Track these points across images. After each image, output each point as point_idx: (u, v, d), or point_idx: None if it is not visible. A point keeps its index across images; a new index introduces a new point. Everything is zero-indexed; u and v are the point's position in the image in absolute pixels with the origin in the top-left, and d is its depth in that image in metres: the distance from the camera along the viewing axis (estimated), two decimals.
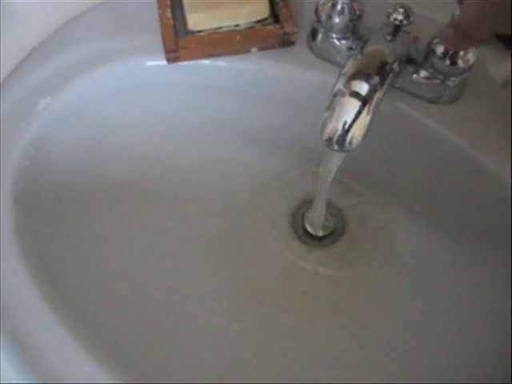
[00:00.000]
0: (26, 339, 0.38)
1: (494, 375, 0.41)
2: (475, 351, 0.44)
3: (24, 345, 0.38)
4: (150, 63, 0.47)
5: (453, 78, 0.42)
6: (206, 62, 0.46)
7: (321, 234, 0.50)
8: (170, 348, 0.44)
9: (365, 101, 0.37)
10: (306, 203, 0.51)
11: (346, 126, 0.37)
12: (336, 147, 0.37)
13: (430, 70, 0.42)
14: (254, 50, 0.46)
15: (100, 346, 0.39)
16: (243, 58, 0.46)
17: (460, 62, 0.41)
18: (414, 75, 0.43)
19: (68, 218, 0.46)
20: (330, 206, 0.51)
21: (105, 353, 0.38)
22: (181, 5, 0.46)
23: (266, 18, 0.46)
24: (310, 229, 0.50)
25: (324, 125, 0.37)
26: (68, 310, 0.40)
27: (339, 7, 0.42)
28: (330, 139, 0.37)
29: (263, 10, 0.45)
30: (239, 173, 0.51)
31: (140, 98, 0.48)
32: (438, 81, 0.43)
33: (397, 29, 0.40)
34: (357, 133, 0.37)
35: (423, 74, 0.43)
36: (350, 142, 0.37)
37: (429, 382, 0.43)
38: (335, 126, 0.37)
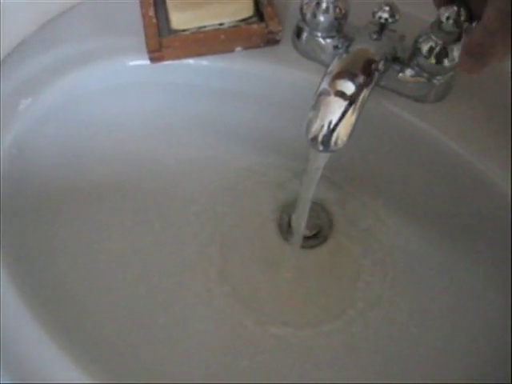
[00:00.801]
0: (8, 346, 0.37)
1: (493, 375, 0.41)
2: (472, 351, 0.43)
3: (6, 353, 0.37)
4: (133, 63, 0.46)
5: (439, 77, 0.42)
6: (190, 61, 0.46)
7: (308, 233, 0.49)
8: (159, 350, 0.43)
9: (350, 100, 0.37)
10: (292, 202, 0.50)
11: (332, 126, 0.36)
12: (321, 147, 0.37)
13: (416, 69, 0.42)
14: (238, 49, 0.45)
15: (86, 350, 0.38)
16: (227, 57, 0.45)
17: (446, 61, 0.41)
18: (400, 74, 0.43)
19: (52, 219, 0.45)
20: (316, 205, 0.50)
21: (90, 357, 0.38)
22: (164, 4, 0.45)
23: (250, 17, 0.45)
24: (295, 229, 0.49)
25: (309, 124, 0.37)
26: (51, 313, 0.39)
27: (324, 5, 0.41)
28: (315, 139, 0.36)
29: (247, 9, 0.45)
30: (224, 172, 0.51)
31: (124, 98, 0.48)
32: (423, 79, 0.42)
33: (382, 27, 0.40)
34: (342, 133, 0.37)
35: (409, 72, 0.43)
36: (336, 142, 0.36)
37: (424, 382, 0.42)
38: (320, 125, 0.36)
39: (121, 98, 0.48)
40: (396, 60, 0.42)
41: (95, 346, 0.40)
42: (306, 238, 0.49)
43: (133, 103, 0.48)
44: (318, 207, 0.51)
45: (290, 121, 0.47)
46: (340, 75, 0.38)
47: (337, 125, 0.36)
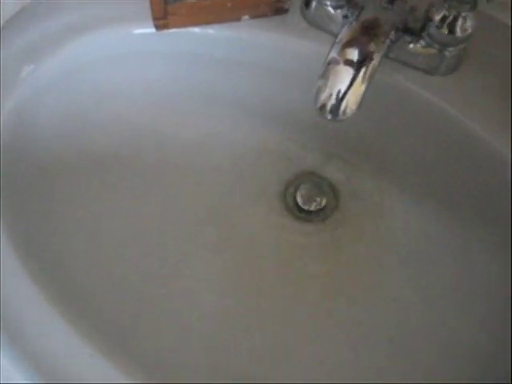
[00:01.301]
0: (13, 322, 0.36)
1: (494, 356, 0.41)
2: (474, 325, 0.43)
3: (12, 329, 0.36)
4: (137, 31, 0.45)
5: (450, 48, 0.41)
6: (196, 29, 0.45)
7: (313, 208, 0.48)
8: (160, 323, 0.42)
9: (360, 69, 0.36)
10: (298, 177, 0.50)
11: (340, 95, 0.36)
12: (329, 116, 0.36)
13: (428, 40, 0.41)
14: (245, 17, 0.44)
15: (89, 323, 0.37)
16: (234, 25, 0.45)
17: (458, 31, 0.40)
18: (411, 45, 0.42)
19: (53, 188, 0.44)
20: (322, 179, 0.50)
21: (92, 330, 0.37)
22: None
23: None
24: (301, 203, 0.49)
25: (317, 93, 0.36)
26: (55, 286, 0.38)
27: None
28: (323, 108, 0.36)
29: None
30: (229, 144, 0.50)
31: (127, 67, 0.47)
32: (435, 51, 0.41)
33: None
34: (351, 101, 0.36)
35: (420, 43, 0.42)
36: (344, 111, 0.36)
37: (424, 358, 0.42)
38: (329, 94, 0.36)
39: (124, 66, 0.47)
40: (407, 31, 0.41)
41: (95, 312, 0.39)
42: (311, 212, 0.49)
43: (136, 72, 0.48)
44: (323, 182, 0.50)
45: (297, 92, 0.47)
46: (350, 44, 0.37)
47: (346, 93, 0.36)
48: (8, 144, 0.41)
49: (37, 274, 0.38)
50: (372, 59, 0.37)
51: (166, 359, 0.40)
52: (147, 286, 0.44)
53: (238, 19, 0.44)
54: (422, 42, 0.42)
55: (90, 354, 0.35)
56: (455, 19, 0.39)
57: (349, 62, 0.36)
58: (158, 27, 0.44)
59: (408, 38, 0.42)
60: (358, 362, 0.43)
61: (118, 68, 0.47)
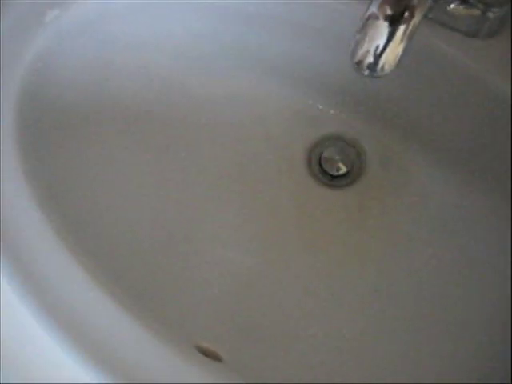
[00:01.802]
0: (28, 263, 0.35)
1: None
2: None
3: (26, 269, 0.35)
4: None
5: (494, 9, 0.39)
6: None
7: (339, 172, 0.47)
8: (178, 279, 0.42)
9: (399, 25, 0.34)
10: (325, 141, 0.48)
11: (379, 51, 0.34)
12: (367, 72, 0.34)
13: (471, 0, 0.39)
14: None
15: (105, 274, 0.36)
16: None
17: None
18: (452, 5, 0.40)
19: (75, 138, 0.43)
20: (348, 143, 0.48)
21: (110, 280, 0.36)
22: None
23: None
24: (327, 168, 0.47)
25: (355, 48, 0.34)
26: (72, 235, 0.37)
27: None
28: (360, 63, 0.34)
29: None
30: (254, 104, 0.49)
31: (153, 17, 0.45)
32: (477, 12, 0.40)
33: None
34: (389, 58, 0.34)
35: (462, 3, 0.40)
36: (382, 68, 0.34)
37: (440, 323, 0.41)
38: (367, 49, 0.34)
39: (150, 16, 0.45)
40: None
41: (115, 267, 0.39)
42: (335, 177, 0.47)
43: (162, 23, 0.46)
44: (349, 146, 0.48)
45: (329, 52, 0.45)
46: None
47: (384, 50, 0.34)
48: (31, 90, 0.40)
49: (58, 224, 0.37)
50: (413, 16, 0.35)
51: (186, 316, 0.39)
52: (167, 243, 0.43)
53: None
54: (464, 2, 0.40)
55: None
56: None
57: (388, 18, 0.34)
58: None
59: None
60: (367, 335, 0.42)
61: (144, 17, 0.45)
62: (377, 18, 0.35)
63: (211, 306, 0.41)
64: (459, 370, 0.40)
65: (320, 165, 0.48)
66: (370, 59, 0.34)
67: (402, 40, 0.35)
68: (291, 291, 0.43)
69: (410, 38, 0.35)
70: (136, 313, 0.34)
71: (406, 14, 0.35)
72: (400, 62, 0.35)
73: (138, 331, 0.33)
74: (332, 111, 0.49)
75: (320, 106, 0.49)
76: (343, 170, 0.48)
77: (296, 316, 0.42)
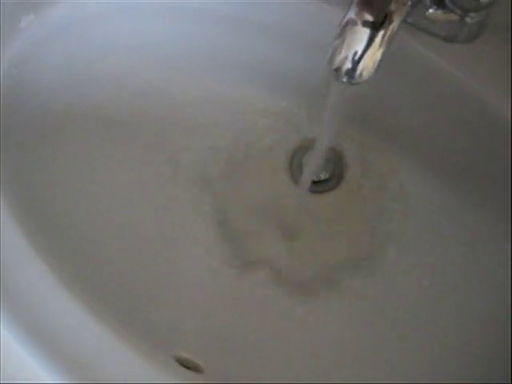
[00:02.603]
0: (5, 277, 0.35)
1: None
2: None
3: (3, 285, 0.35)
4: None
5: (472, 14, 0.39)
6: None
7: (320, 178, 0.47)
8: (157, 290, 0.41)
9: (378, 31, 0.34)
10: (305, 145, 0.48)
11: (357, 57, 0.34)
12: (345, 78, 0.34)
13: (449, 5, 0.39)
14: None
15: (82, 286, 0.36)
16: None
17: None
18: (431, 10, 0.40)
19: (53, 145, 0.43)
20: (330, 149, 0.48)
21: (87, 292, 0.36)
22: None
23: None
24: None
25: (333, 54, 0.34)
26: (47, 245, 0.37)
27: None
28: (338, 69, 0.34)
29: None
30: (234, 108, 0.48)
31: (132, 21, 0.45)
32: (456, 17, 0.40)
33: None
34: (368, 65, 0.34)
35: (440, 8, 0.40)
36: (361, 74, 0.34)
37: (440, 324, 0.41)
38: (345, 56, 0.34)
39: (128, 20, 0.45)
40: None
41: (91, 276, 0.38)
42: (317, 182, 0.47)
43: (141, 27, 0.45)
44: (330, 151, 0.48)
45: (306, 56, 0.45)
46: (369, 4, 0.35)
47: (362, 56, 0.34)
48: (7, 97, 0.40)
49: (33, 233, 0.36)
50: (391, 21, 0.35)
51: (165, 327, 0.39)
52: (145, 254, 0.43)
53: None
54: (443, 7, 0.40)
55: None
56: None
57: (367, 23, 0.34)
58: None
59: (428, 2, 0.40)
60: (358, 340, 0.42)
61: (122, 22, 0.45)
62: (355, 23, 0.35)
63: (191, 317, 0.41)
64: (459, 370, 0.40)
65: (301, 169, 0.47)
66: (348, 65, 0.34)
67: (380, 46, 0.34)
68: (273, 300, 0.43)
69: (388, 44, 0.35)
70: (114, 324, 0.34)
71: (385, 19, 0.34)
72: (379, 68, 0.35)
73: (117, 343, 0.33)
74: (310, 115, 0.48)
75: (300, 111, 0.49)
76: (324, 175, 0.47)
77: (278, 326, 0.42)
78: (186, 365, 0.35)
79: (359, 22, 0.34)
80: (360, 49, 0.34)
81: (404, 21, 0.38)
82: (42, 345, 0.33)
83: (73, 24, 0.43)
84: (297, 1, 0.43)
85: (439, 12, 0.40)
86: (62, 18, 0.42)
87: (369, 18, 0.34)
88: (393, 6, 0.35)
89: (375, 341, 0.42)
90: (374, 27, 0.34)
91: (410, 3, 0.36)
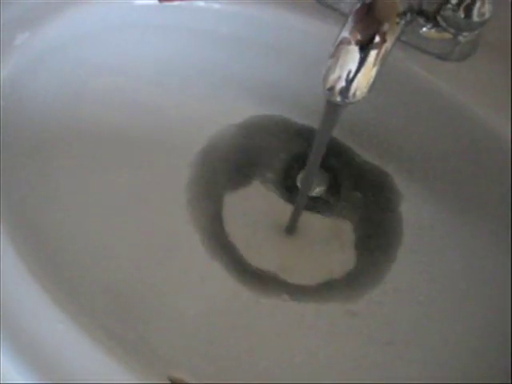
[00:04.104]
0: None
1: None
2: (474, 324, 0.42)
3: None
4: (139, 2, 0.43)
5: (465, 33, 0.39)
6: (201, 3, 0.43)
7: (314, 194, 0.47)
8: (150, 309, 0.41)
9: (371, 50, 0.34)
10: (300, 162, 0.48)
11: (351, 76, 0.34)
12: (339, 98, 0.34)
13: (442, 24, 0.39)
14: None
15: (74, 304, 0.36)
16: (240, 1, 0.43)
17: (475, 16, 0.38)
18: (424, 28, 0.40)
19: (46, 163, 0.43)
20: (324, 167, 0.48)
21: (79, 311, 0.35)
22: None
23: None
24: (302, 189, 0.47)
25: (326, 74, 0.34)
26: (40, 261, 0.37)
27: None
28: (332, 89, 0.34)
29: None
30: (228, 125, 0.48)
31: (127, 40, 0.45)
32: (449, 36, 0.40)
33: None
34: (362, 84, 0.34)
35: (434, 27, 0.40)
36: (354, 94, 0.34)
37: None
38: (338, 75, 0.34)
39: (124, 39, 0.45)
40: (421, 13, 0.40)
41: (85, 294, 0.38)
42: (311, 198, 0.47)
43: (136, 46, 0.46)
44: (324, 169, 0.48)
45: (304, 74, 0.45)
46: (362, 23, 0.35)
47: (356, 75, 0.34)
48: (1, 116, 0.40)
49: (22, 247, 0.36)
50: (385, 40, 0.35)
51: (158, 347, 0.38)
52: (138, 271, 0.43)
53: None
54: (436, 26, 0.40)
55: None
56: (473, 2, 0.37)
57: (360, 43, 0.35)
58: None
59: (421, 21, 0.40)
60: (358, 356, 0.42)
61: (118, 41, 0.45)
62: (349, 42, 0.35)
63: (184, 336, 0.40)
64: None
65: (294, 187, 0.47)
66: (342, 85, 0.34)
67: (374, 65, 0.34)
68: (267, 319, 0.42)
69: (382, 63, 0.35)
70: (107, 343, 0.33)
71: (378, 38, 0.35)
72: (372, 87, 0.35)
73: (110, 361, 0.33)
74: (308, 132, 0.49)
75: (294, 129, 0.49)
76: (319, 190, 0.47)
77: (272, 345, 0.41)
78: None
79: (353, 42, 0.35)
80: (353, 68, 0.34)
81: (398, 39, 0.39)
82: (33, 363, 0.32)
83: (67, 42, 0.43)
84: (292, 20, 0.43)
85: (433, 31, 0.40)
86: (56, 36, 0.42)
87: (362, 37, 0.35)
88: (386, 26, 0.35)
89: (375, 357, 0.42)
90: (368, 46, 0.34)
91: (403, 22, 0.36)
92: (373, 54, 0.34)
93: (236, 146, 0.48)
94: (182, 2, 0.43)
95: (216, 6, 0.43)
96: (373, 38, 0.34)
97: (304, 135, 0.49)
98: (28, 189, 0.41)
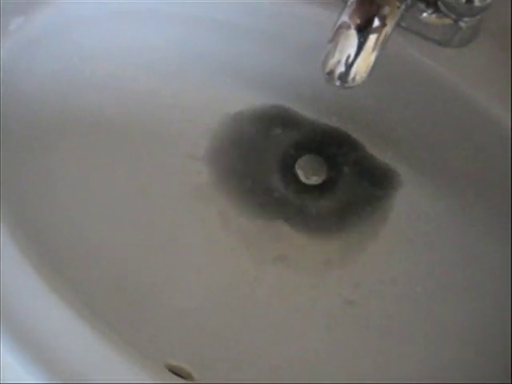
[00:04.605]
0: None
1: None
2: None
3: None
4: None
5: (466, 19, 0.39)
6: None
7: (313, 182, 0.46)
8: (148, 297, 0.41)
9: (371, 34, 0.34)
10: (298, 150, 0.48)
11: (350, 60, 0.33)
12: (338, 82, 0.34)
13: (443, 9, 0.39)
14: None
15: (73, 293, 0.35)
16: None
17: (476, 0, 0.38)
18: (424, 14, 0.40)
19: (42, 150, 0.42)
20: (322, 154, 0.48)
21: (77, 299, 0.35)
22: None
23: None
24: (301, 177, 0.47)
25: (326, 58, 0.34)
26: (37, 252, 0.36)
27: None
28: (331, 73, 0.34)
29: None
30: (225, 114, 0.48)
31: (121, 27, 0.44)
32: (449, 21, 0.39)
33: None
34: (361, 68, 0.34)
35: (434, 13, 0.39)
36: (354, 79, 0.34)
37: (424, 358, 0.41)
38: (338, 59, 0.34)
39: (118, 26, 0.44)
40: None
41: (84, 283, 0.38)
42: (309, 187, 0.47)
43: (130, 33, 0.45)
44: (323, 157, 0.48)
45: (301, 60, 0.45)
46: (362, 7, 0.35)
47: (355, 60, 0.34)
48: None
49: (22, 240, 0.36)
50: (385, 25, 0.34)
51: (156, 335, 0.38)
52: (136, 260, 0.42)
53: None
54: (437, 12, 0.39)
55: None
56: None
57: (360, 27, 0.34)
58: None
59: (422, 6, 0.39)
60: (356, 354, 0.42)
61: (112, 27, 0.44)
62: (348, 27, 0.34)
63: (182, 324, 0.40)
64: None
65: (294, 174, 0.47)
66: (341, 69, 0.33)
67: (373, 49, 0.34)
68: (264, 308, 0.42)
69: (381, 48, 0.34)
70: (105, 331, 0.33)
71: (378, 22, 0.34)
72: (372, 72, 0.34)
73: (108, 351, 0.32)
74: (304, 120, 0.48)
75: (292, 116, 0.48)
76: (317, 179, 0.47)
77: (269, 333, 0.41)
78: (177, 373, 0.35)
79: (352, 26, 0.34)
80: (353, 52, 0.34)
81: (398, 25, 0.38)
82: (32, 351, 0.32)
83: (63, 27, 0.42)
84: (289, 5, 0.42)
85: (433, 16, 0.40)
86: (51, 21, 0.42)
87: (362, 21, 0.34)
88: (386, 10, 0.34)
89: (371, 349, 0.42)
90: (367, 31, 0.34)
91: (403, 7, 0.36)
92: (372, 38, 0.34)
93: (234, 134, 0.48)
94: None
95: None
96: (372, 22, 0.34)
97: (301, 123, 0.48)
98: (25, 181, 0.41)
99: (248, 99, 0.48)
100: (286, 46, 0.45)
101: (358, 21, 0.34)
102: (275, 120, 0.48)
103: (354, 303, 0.43)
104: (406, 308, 0.43)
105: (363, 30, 0.34)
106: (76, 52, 0.44)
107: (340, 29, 0.34)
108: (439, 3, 0.39)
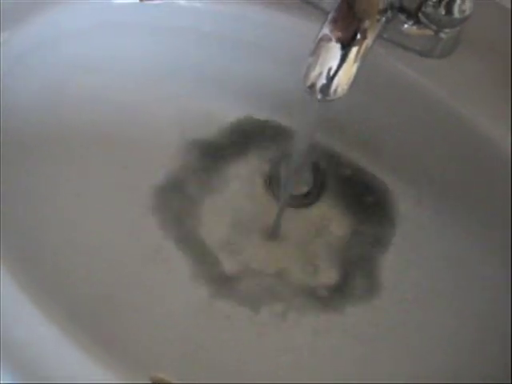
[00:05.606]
0: None
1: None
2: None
3: None
4: (119, 1, 0.43)
5: (446, 30, 0.40)
6: (182, 1, 0.43)
7: (297, 192, 0.47)
8: (132, 310, 0.41)
9: (352, 47, 0.34)
10: (284, 160, 0.48)
11: (331, 73, 0.34)
12: (319, 95, 0.34)
13: (423, 20, 0.39)
14: None
15: (55, 306, 0.35)
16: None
17: (456, 12, 0.38)
18: (405, 25, 0.40)
19: (26, 163, 0.42)
20: (309, 166, 0.48)
21: (60, 313, 0.35)
22: None
23: None
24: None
25: (307, 71, 0.34)
26: (20, 267, 0.36)
27: None
28: (312, 86, 0.34)
29: None
30: (211, 125, 0.48)
31: (107, 39, 0.45)
32: (430, 32, 0.40)
33: None
34: (342, 81, 0.34)
35: (415, 24, 0.40)
36: (335, 91, 0.34)
37: (423, 358, 0.41)
38: (319, 72, 0.34)
39: (104, 38, 0.45)
40: (402, 10, 0.40)
41: (63, 296, 0.37)
42: (296, 196, 0.47)
43: (116, 45, 0.45)
44: (309, 166, 0.48)
45: (286, 71, 0.45)
46: (343, 20, 0.35)
47: (336, 72, 0.34)
48: None
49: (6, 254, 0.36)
50: (365, 37, 0.35)
51: (140, 347, 0.38)
52: (120, 273, 0.42)
53: None
54: (418, 23, 0.40)
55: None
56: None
57: (341, 40, 0.34)
58: None
59: (403, 18, 0.40)
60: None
61: (97, 40, 0.44)
62: (329, 40, 0.35)
63: (166, 337, 0.40)
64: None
65: (279, 184, 0.47)
66: (323, 82, 0.34)
67: (354, 62, 0.34)
68: (248, 320, 0.42)
69: (362, 60, 0.35)
70: (89, 345, 0.33)
71: (359, 35, 0.35)
72: (353, 84, 0.35)
73: (92, 364, 0.32)
74: (290, 130, 0.48)
75: (278, 125, 0.49)
76: (303, 189, 0.47)
77: (254, 344, 0.41)
78: None
79: (333, 39, 0.35)
80: (334, 65, 0.34)
81: (379, 36, 0.39)
82: (14, 365, 0.32)
83: (47, 41, 0.43)
84: (275, 18, 0.43)
85: (414, 27, 0.40)
86: (36, 35, 0.42)
87: (343, 34, 0.35)
88: (366, 23, 0.35)
89: (363, 355, 0.42)
90: (348, 43, 0.34)
91: (384, 20, 0.36)
92: (354, 50, 0.34)
93: (217, 145, 0.48)
94: (163, 1, 0.42)
95: (197, 4, 0.43)
96: (354, 35, 0.34)
97: (288, 134, 0.48)
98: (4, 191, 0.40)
99: (234, 110, 0.48)
100: (272, 57, 0.45)
101: (339, 34, 0.34)
102: (261, 131, 0.48)
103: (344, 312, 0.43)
104: (399, 315, 0.43)
105: (344, 43, 0.34)
106: (60, 65, 0.44)
107: (321, 41, 0.35)
108: (420, 15, 0.39)
